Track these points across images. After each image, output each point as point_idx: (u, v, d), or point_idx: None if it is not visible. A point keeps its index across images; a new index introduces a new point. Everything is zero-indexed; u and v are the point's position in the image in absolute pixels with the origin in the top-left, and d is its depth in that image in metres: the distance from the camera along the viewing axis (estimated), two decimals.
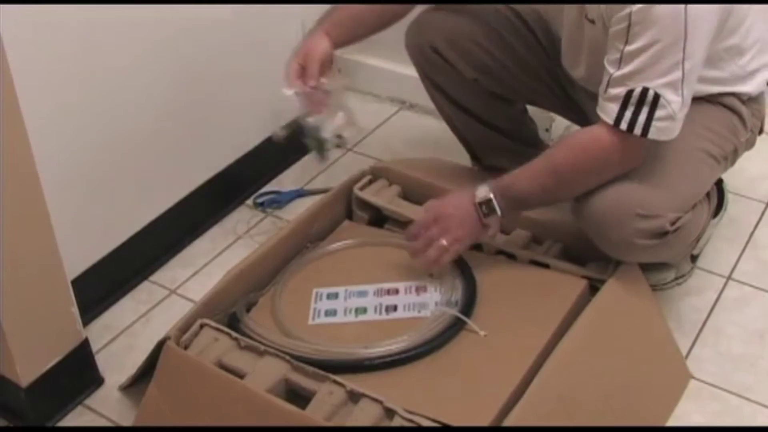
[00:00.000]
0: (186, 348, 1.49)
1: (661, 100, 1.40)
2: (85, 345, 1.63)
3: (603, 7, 1.46)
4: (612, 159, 1.48)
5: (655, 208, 1.48)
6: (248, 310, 1.60)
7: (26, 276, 1.47)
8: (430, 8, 1.79)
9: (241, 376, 1.43)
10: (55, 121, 1.60)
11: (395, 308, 1.57)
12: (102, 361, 1.69)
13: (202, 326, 1.51)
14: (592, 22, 1.51)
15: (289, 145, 1.82)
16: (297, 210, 2.01)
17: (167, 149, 1.89)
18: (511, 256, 1.66)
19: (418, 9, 1.80)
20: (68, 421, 1.62)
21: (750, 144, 1.70)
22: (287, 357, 1.44)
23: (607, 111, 1.44)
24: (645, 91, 1.40)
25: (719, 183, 1.84)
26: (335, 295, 1.61)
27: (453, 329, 1.50)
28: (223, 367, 1.46)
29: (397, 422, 1.34)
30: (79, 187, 1.70)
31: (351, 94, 2.48)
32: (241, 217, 2.08)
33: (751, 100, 1.65)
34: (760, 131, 1.72)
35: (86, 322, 1.70)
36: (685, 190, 1.56)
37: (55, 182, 1.51)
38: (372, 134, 2.33)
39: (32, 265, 1.48)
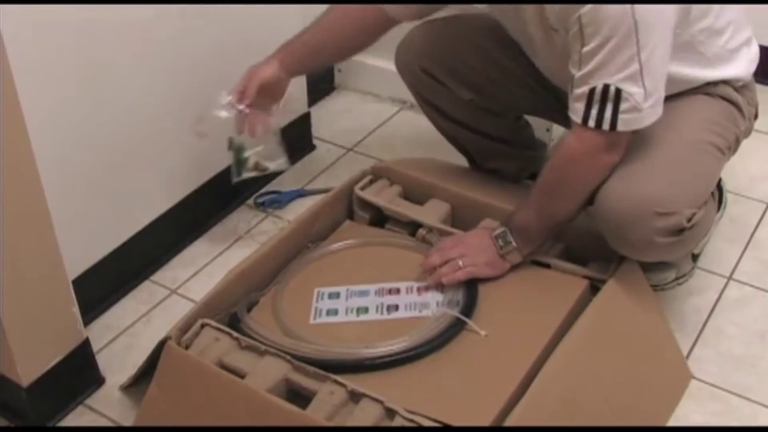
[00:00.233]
0: (187, 348, 1.49)
1: (623, 94, 1.43)
2: (85, 345, 1.63)
3: (558, 13, 1.49)
4: (590, 158, 1.50)
5: (672, 205, 1.49)
6: (249, 310, 1.60)
7: (27, 276, 1.47)
8: (417, 28, 1.78)
9: (242, 376, 1.43)
10: (55, 120, 1.60)
11: (396, 308, 1.57)
12: (103, 361, 1.69)
13: (202, 326, 1.51)
14: (556, 30, 1.53)
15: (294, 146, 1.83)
16: (298, 210, 2.01)
17: (168, 149, 1.89)
18: None
19: (389, 40, 1.78)
20: (69, 420, 1.62)
21: (747, 132, 1.72)
22: (288, 357, 1.44)
23: (575, 111, 1.48)
24: (606, 87, 1.43)
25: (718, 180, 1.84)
26: (337, 295, 1.61)
27: (454, 329, 1.50)
28: (223, 367, 1.46)
29: (398, 422, 1.34)
30: (80, 186, 1.70)
31: (352, 93, 2.50)
32: (242, 217, 2.08)
33: (743, 87, 1.66)
34: (755, 117, 1.73)
35: (87, 321, 1.70)
36: (698, 185, 1.57)
37: (56, 182, 1.51)
38: (373, 134, 2.33)
39: (33, 265, 1.48)
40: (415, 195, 1.81)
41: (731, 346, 1.70)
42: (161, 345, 1.49)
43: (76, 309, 1.59)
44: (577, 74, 1.46)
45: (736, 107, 1.65)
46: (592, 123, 1.46)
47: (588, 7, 1.40)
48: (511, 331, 1.51)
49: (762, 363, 1.67)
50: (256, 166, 1.86)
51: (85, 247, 1.74)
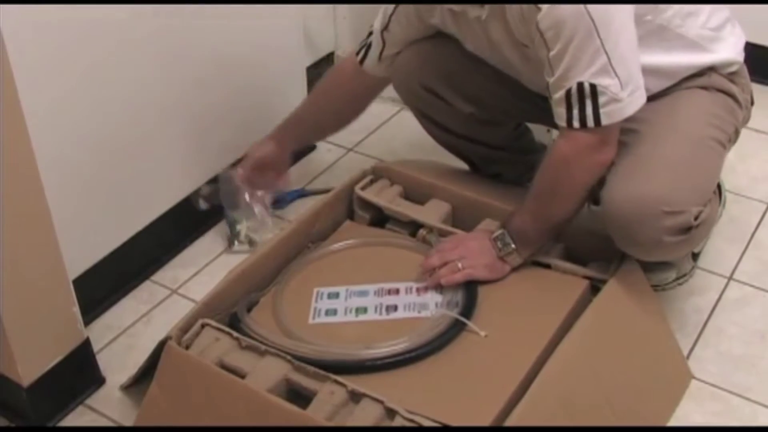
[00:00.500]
0: (187, 348, 1.49)
1: (598, 88, 1.44)
2: (86, 345, 1.63)
3: (521, 27, 1.50)
4: (583, 159, 1.50)
5: (679, 204, 1.49)
6: (249, 310, 1.60)
7: (28, 276, 1.47)
8: (410, 48, 1.77)
9: (242, 376, 1.43)
10: (56, 120, 1.60)
11: (396, 308, 1.57)
12: (103, 361, 1.69)
13: (203, 326, 1.51)
14: (526, 46, 1.54)
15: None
16: (298, 210, 2.01)
17: (169, 149, 1.89)
18: None
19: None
20: (69, 420, 1.62)
21: (745, 120, 1.72)
22: (288, 357, 1.44)
23: (559, 116, 1.49)
24: (580, 85, 1.44)
25: None
26: (336, 295, 1.61)
27: (454, 330, 1.50)
28: (224, 367, 1.46)
29: (398, 422, 1.34)
30: (80, 186, 1.70)
31: None
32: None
33: (736, 74, 1.66)
34: (752, 104, 1.73)
35: (87, 321, 1.70)
36: (703, 182, 1.57)
37: (56, 182, 1.51)
38: (373, 134, 2.33)
39: (33, 265, 1.48)
40: (415, 195, 1.81)
41: (731, 346, 1.70)
42: (162, 345, 1.49)
43: (76, 309, 1.59)
44: (551, 80, 1.47)
45: (733, 98, 1.65)
46: (576, 123, 1.47)
47: (542, 12, 1.42)
48: (511, 331, 1.51)
49: (762, 363, 1.67)
50: (248, 240, 1.96)
51: (85, 247, 1.74)
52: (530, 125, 1.96)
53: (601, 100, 1.44)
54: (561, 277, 1.61)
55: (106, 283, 1.83)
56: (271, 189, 1.96)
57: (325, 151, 2.27)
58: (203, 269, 1.93)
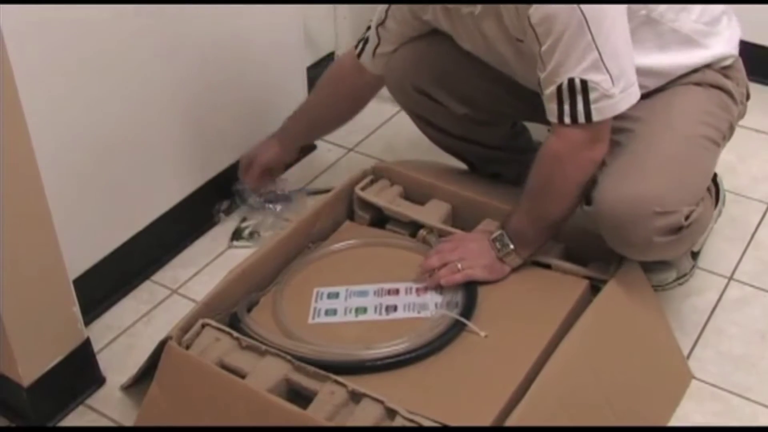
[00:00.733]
0: (187, 348, 1.49)
1: (589, 84, 1.43)
2: (86, 345, 1.63)
3: (514, 21, 1.50)
4: (575, 155, 1.50)
5: (670, 204, 1.49)
6: (249, 310, 1.60)
7: (28, 276, 1.47)
8: (403, 48, 1.77)
9: (243, 376, 1.43)
10: (56, 120, 1.60)
11: (395, 308, 1.57)
12: (103, 361, 1.69)
13: (203, 326, 1.51)
14: (521, 41, 1.53)
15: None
16: (299, 209, 2.01)
17: (169, 149, 1.89)
18: None
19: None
20: (69, 420, 1.62)
21: (741, 115, 1.71)
22: (288, 357, 1.44)
23: (551, 112, 1.49)
24: (571, 81, 1.44)
25: (714, 175, 1.84)
26: (336, 295, 1.61)
27: (454, 330, 1.50)
28: (224, 367, 1.46)
29: (398, 422, 1.34)
30: (80, 186, 1.70)
31: None
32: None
33: (731, 68, 1.65)
34: (747, 98, 1.72)
35: (88, 321, 1.70)
36: (695, 182, 1.57)
37: (56, 182, 1.51)
38: (373, 134, 2.33)
39: (34, 265, 1.48)
40: (415, 195, 1.81)
41: (732, 346, 1.70)
42: (162, 345, 1.49)
43: (76, 309, 1.59)
44: (542, 76, 1.47)
45: (728, 94, 1.64)
46: (567, 119, 1.47)
47: (534, 6, 1.41)
48: (511, 331, 1.51)
49: (762, 363, 1.67)
50: (251, 236, 2.00)
51: (85, 247, 1.74)
52: (529, 125, 1.96)
53: (592, 96, 1.44)
54: (561, 278, 1.61)
55: (106, 283, 1.83)
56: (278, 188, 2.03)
57: (326, 151, 2.27)
58: (203, 269, 1.93)
